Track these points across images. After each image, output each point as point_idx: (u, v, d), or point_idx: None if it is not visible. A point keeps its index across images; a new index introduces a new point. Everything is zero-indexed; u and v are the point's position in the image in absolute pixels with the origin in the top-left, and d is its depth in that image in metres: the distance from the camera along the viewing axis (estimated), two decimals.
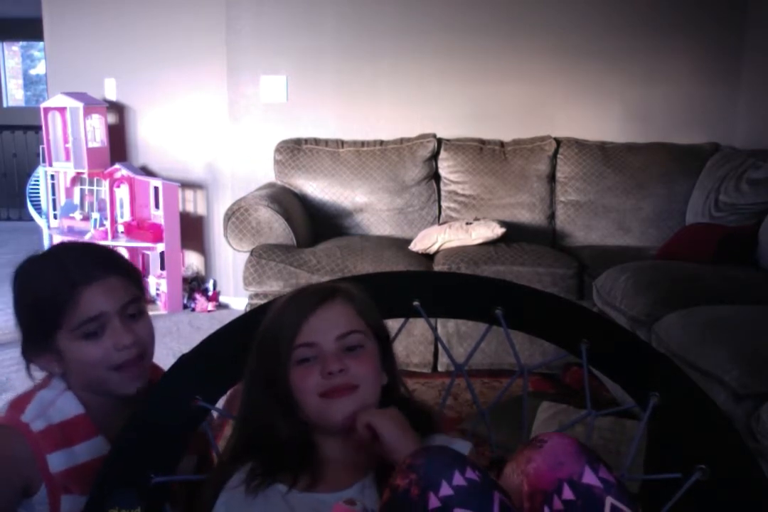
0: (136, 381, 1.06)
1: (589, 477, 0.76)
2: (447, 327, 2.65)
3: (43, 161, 3.82)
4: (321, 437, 0.96)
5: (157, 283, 3.56)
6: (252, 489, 0.91)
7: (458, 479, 0.73)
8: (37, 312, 1.03)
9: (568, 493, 0.75)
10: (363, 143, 3.29)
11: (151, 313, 1.14)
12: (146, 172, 3.63)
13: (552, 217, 3.22)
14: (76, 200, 3.75)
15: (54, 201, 3.81)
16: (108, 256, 1.11)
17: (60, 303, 1.00)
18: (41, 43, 6.58)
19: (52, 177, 3.78)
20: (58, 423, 1.03)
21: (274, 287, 2.64)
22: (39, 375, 1.10)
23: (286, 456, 0.94)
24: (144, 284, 1.14)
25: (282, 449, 0.94)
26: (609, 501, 0.75)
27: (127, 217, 3.58)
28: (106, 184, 3.52)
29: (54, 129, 3.68)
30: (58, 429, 1.02)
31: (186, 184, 3.60)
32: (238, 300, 3.56)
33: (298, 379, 0.94)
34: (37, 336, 1.04)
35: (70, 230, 3.66)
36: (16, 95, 8.59)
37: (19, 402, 1.04)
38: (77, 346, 1.02)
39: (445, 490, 0.72)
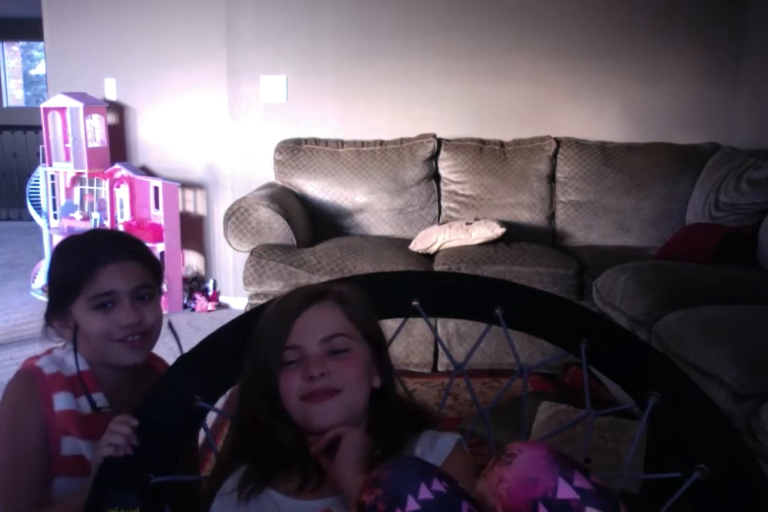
0: (136, 353, 1.16)
1: (564, 491, 0.73)
2: (447, 327, 2.65)
3: (43, 161, 3.82)
4: (315, 442, 0.95)
5: None
6: (244, 495, 0.91)
7: (424, 492, 0.72)
8: (62, 281, 1.16)
9: None
10: (363, 143, 3.29)
11: None
12: (146, 172, 3.64)
13: (552, 217, 3.22)
14: (76, 200, 3.75)
15: (54, 201, 3.81)
16: (133, 243, 1.23)
17: (81, 276, 1.12)
18: (41, 43, 6.58)
19: (52, 177, 3.78)
20: (67, 376, 1.14)
21: (274, 287, 2.64)
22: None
23: (280, 460, 0.94)
24: (161, 275, 1.24)
25: (276, 452, 0.94)
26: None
27: (127, 217, 3.58)
28: (106, 184, 3.52)
29: (54, 129, 3.68)
30: (66, 379, 1.14)
31: (186, 184, 3.61)
32: (238, 300, 3.56)
33: (282, 382, 0.94)
34: (58, 302, 1.16)
35: (70, 230, 3.66)
36: (16, 95, 8.59)
37: (36, 356, 1.18)
38: (88, 316, 1.13)
39: (412, 505, 0.71)
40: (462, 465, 0.92)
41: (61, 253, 1.19)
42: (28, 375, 1.13)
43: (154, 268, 1.21)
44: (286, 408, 0.94)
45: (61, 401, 1.11)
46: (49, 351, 1.18)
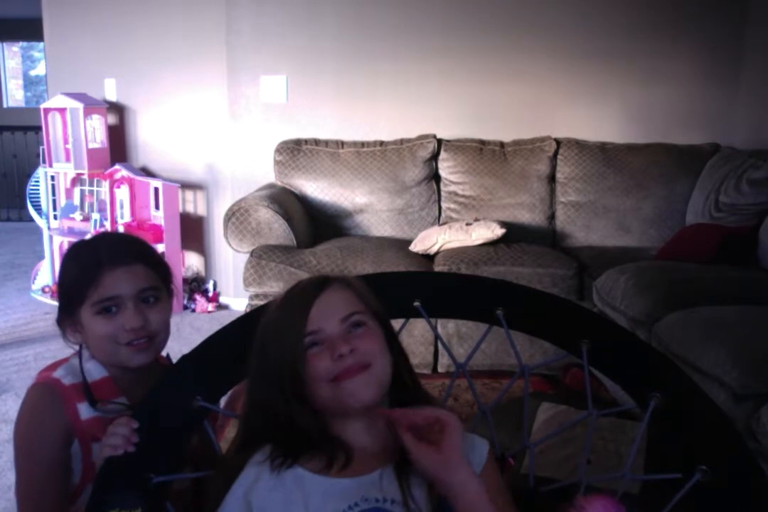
0: (143, 355, 1.16)
1: None
2: (447, 327, 2.65)
3: (43, 162, 3.82)
4: (340, 424, 0.96)
5: None
6: (275, 466, 0.92)
7: None
8: (68, 286, 1.17)
9: None
10: (363, 144, 3.29)
11: None
12: (146, 172, 3.64)
13: (552, 217, 3.22)
14: (76, 201, 3.75)
15: (54, 202, 3.81)
16: (138, 246, 1.22)
17: (86, 281, 1.13)
18: (41, 44, 6.58)
19: (52, 178, 3.78)
20: (87, 384, 1.14)
21: (275, 288, 2.64)
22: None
23: (306, 441, 0.94)
24: (170, 277, 1.23)
25: (300, 435, 0.94)
26: None
27: (127, 218, 3.57)
28: (106, 184, 3.52)
29: (54, 130, 3.68)
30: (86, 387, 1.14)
31: (186, 185, 3.60)
32: (238, 301, 3.56)
33: (308, 369, 0.94)
34: (67, 308, 1.16)
35: (70, 231, 3.66)
36: (16, 96, 8.60)
37: (52, 365, 1.18)
38: (93, 320, 1.14)
39: None
40: (496, 472, 0.96)
41: (68, 258, 1.19)
42: (48, 388, 1.13)
43: (161, 270, 1.20)
44: (313, 396, 0.94)
45: (86, 409, 1.12)
46: (66, 360, 1.19)
